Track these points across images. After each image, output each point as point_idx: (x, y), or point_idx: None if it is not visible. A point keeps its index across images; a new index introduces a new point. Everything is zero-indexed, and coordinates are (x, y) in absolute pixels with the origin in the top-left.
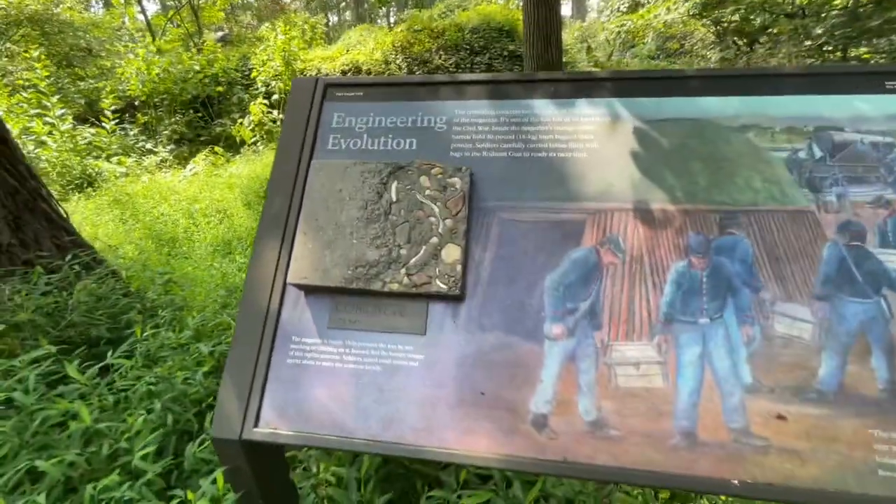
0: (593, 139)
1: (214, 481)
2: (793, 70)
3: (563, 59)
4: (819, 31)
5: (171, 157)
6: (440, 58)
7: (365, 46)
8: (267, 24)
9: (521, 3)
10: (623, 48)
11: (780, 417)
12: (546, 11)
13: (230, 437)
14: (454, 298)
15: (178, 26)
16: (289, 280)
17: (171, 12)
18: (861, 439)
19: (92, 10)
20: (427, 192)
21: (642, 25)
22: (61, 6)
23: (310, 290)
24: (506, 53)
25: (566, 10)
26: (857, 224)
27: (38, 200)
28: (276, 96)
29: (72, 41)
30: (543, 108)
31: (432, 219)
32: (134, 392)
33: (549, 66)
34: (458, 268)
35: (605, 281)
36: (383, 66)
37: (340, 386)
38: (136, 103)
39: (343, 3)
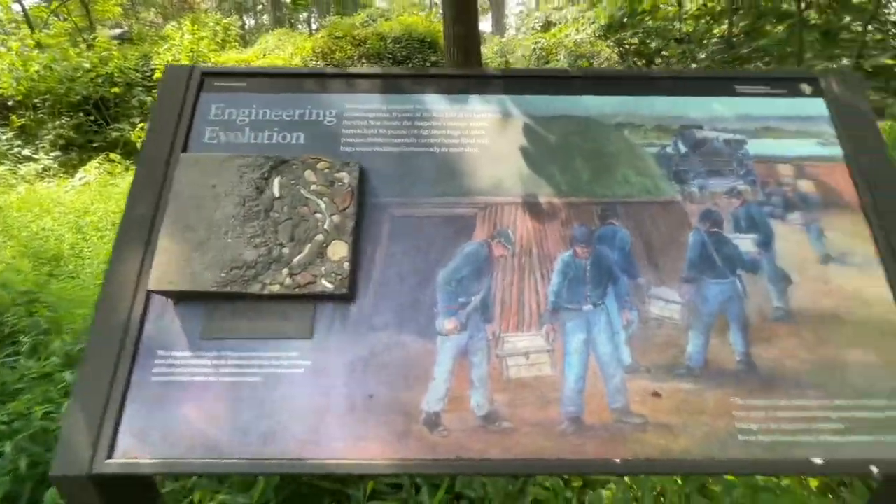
0: (484, 135)
1: None
2: (662, 73)
3: None
4: (702, 55)
5: (55, 165)
6: (362, 66)
7: (283, 51)
8: (173, 23)
9: (441, 17)
10: (538, 63)
11: (656, 395)
12: (465, 26)
13: (75, 473)
14: (343, 298)
15: (66, 20)
16: (151, 286)
17: (54, 3)
18: (723, 409)
19: None
20: (313, 187)
21: (555, 44)
22: None
23: (179, 298)
24: (428, 64)
25: (486, 26)
26: (715, 213)
27: None
28: None
29: None
30: (436, 103)
31: (318, 215)
32: None
33: None
34: (346, 265)
35: (496, 274)
36: None
37: (215, 402)
38: (10, 103)
39: (260, 7)
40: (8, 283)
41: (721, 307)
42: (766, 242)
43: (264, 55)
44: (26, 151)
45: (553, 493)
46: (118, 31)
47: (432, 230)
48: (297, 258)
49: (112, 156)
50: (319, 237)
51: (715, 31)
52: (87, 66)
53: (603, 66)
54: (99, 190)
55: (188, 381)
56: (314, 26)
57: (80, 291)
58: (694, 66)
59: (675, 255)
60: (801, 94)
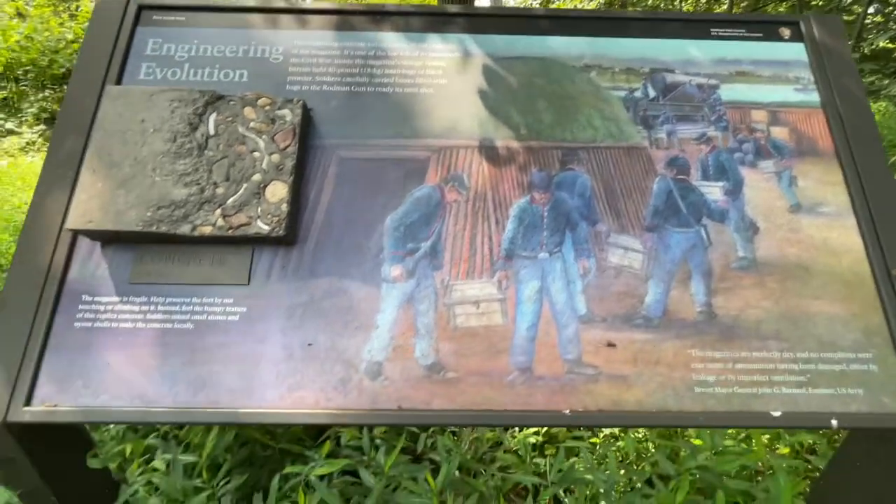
0: (442, 75)
1: None
2: (634, 14)
3: None
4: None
5: (39, 140)
6: None
7: None
8: None
9: None
10: None
11: (611, 345)
12: None
13: None
14: (281, 242)
15: None
16: (69, 225)
17: None
18: (680, 360)
19: None
20: (251, 124)
21: None
22: None
23: (105, 239)
24: None
25: (486, 1)
26: (683, 159)
27: None
28: None
29: None
30: (392, 41)
31: (256, 153)
32: None
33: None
34: (284, 207)
35: (447, 219)
36: None
37: (142, 349)
38: None
39: None
40: None
41: (683, 256)
42: (734, 190)
43: None
44: (9, 125)
45: (521, 460)
46: None
47: (381, 173)
48: (232, 198)
49: None
50: (257, 177)
51: None
52: (70, 37)
53: None
54: None
55: (114, 328)
56: None
57: None
58: None
59: (637, 203)
60: (780, 38)
